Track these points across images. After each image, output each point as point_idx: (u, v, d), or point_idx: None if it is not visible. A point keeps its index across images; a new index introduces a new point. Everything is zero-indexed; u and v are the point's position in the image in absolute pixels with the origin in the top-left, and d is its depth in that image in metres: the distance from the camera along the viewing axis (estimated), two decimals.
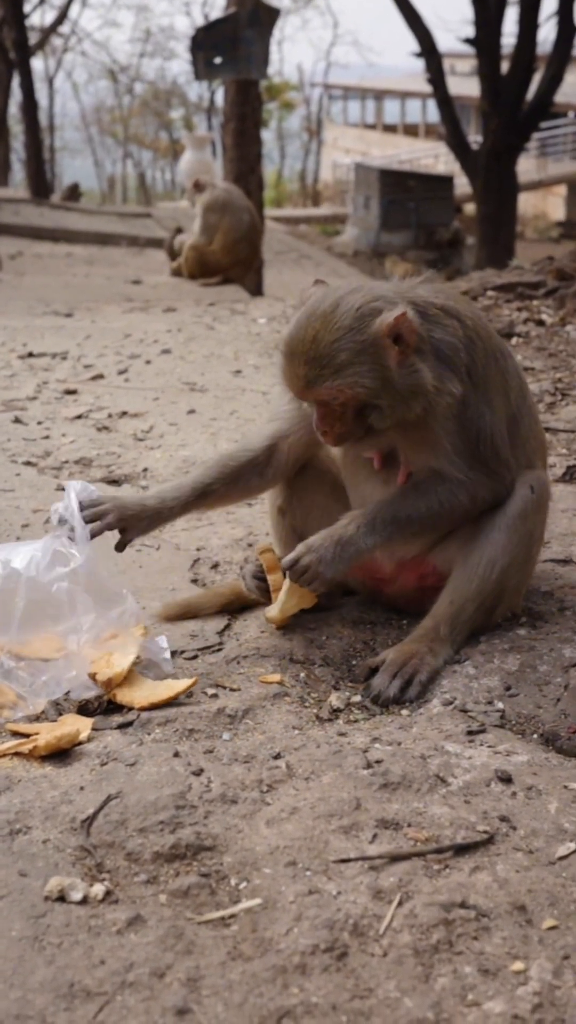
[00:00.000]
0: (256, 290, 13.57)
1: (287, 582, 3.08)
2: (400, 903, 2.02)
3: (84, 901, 2.02)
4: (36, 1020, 1.74)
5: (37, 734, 2.61)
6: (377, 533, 2.94)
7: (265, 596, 3.25)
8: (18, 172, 42.36)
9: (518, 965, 1.87)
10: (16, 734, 2.68)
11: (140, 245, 19.35)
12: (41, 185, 25.64)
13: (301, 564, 2.90)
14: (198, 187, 12.73)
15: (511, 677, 2.94)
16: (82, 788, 2.38)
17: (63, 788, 2.39)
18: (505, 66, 21.06)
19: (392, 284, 3.07)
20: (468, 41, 21.14)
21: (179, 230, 15.13)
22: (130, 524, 3.08)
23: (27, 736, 2.63)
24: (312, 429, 2.99)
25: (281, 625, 3.20)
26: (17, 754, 2.56)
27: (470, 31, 20.88)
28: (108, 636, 2.97)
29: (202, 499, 3.19)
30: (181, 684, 2.85)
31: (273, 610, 3.15)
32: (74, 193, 28.22)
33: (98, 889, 2.05)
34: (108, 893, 2.05)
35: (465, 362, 2.95)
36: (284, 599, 3.13)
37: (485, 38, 20.82)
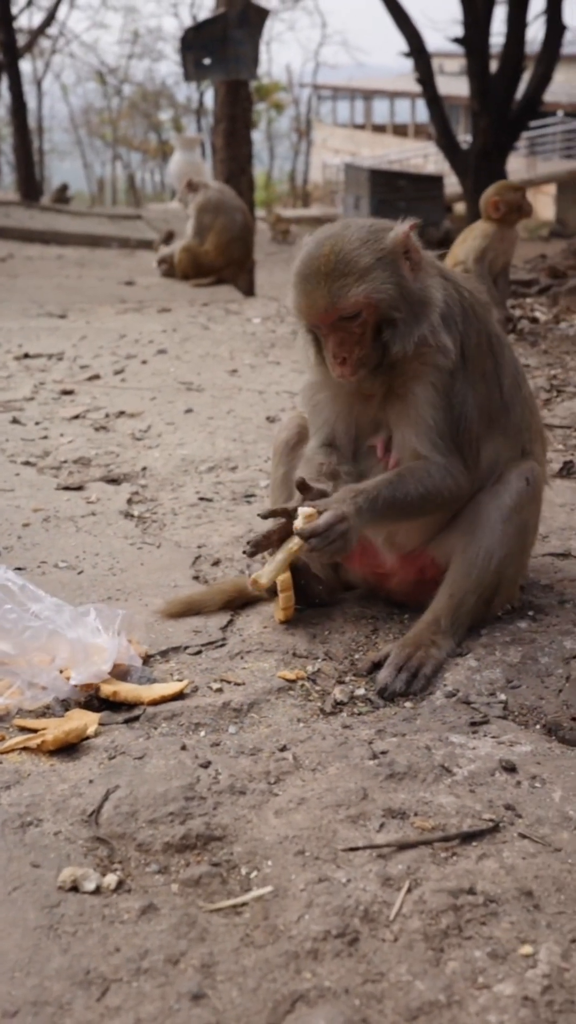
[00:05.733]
0: (248, 290, 13.58)
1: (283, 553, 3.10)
2: (409, 890, 2.05)
3: (97, 891, 2.04)
4: (53, 1006, 1.76)
5: (45, 729, 2.63)
6: (377, 512, 2.94)
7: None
8: (7, 175, 42.39)
9: (526, 949, 1.90)
10: (24, 729, 2.70)
11: (131, 247, 19.33)
12: (31, 187, 25.66)
13: (335, 531, 2.86)
14: (191, 187, 12.74)
15: (513, 669, 2.97)
16: (91, 781, 2.40)
17: (72, 781, 2.41)
18: (494, 65, 21.07)
19: None
20: (457, 40, 21.14)
21: (171, 234, 15.11)
22: None
23: (35, 731, 2.65)
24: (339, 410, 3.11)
25: (284, 620, 3.23)
26: (25, 749, 2.58)
27: (459, 31, 20.89)
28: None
29: None
30: (178, 685, 2.88)
31: (263, 575, 3.10)
32: (63, 193, 28.18)
33: (111, 879, 2.07)
34: (120, 883, 2.07)
35: (460, 330, 3.00)
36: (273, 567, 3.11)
37: (474, 37, 20.82)
